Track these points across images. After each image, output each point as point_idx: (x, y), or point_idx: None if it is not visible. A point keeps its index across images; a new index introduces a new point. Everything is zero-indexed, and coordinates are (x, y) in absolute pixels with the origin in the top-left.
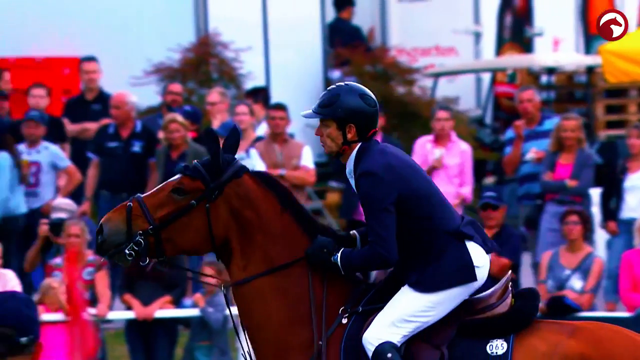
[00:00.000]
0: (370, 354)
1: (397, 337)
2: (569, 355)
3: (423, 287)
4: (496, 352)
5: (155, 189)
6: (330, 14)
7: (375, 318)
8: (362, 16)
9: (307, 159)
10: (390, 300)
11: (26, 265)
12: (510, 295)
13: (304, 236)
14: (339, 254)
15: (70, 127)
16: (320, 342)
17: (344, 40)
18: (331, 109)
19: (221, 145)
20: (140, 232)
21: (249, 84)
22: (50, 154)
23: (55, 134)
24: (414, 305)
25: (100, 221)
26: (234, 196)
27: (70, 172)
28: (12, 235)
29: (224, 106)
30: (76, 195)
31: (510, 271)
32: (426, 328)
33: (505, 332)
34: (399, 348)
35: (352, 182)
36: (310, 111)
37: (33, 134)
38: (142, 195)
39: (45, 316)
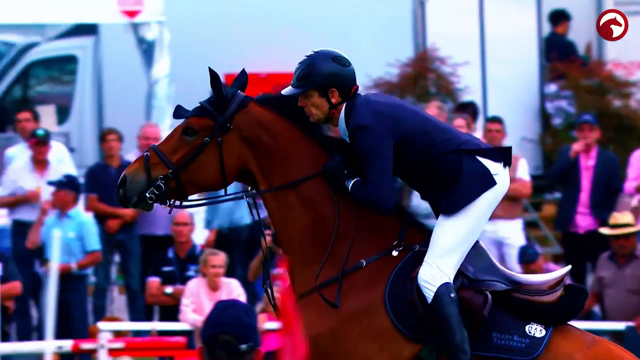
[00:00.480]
0: (427, 294)
1: (450, 269)
2: None
3: (453, 209)
4: (534, 333)
5: (166, 136)
6: (546, 29)
7: (425, 257)
8: (578, 31)
9: (523, 171)
10: (432, 237)
11: (250, 275)
12: (562, 288)
13: (323, 154)
14: (352, 181)
15: None
16: (364, 262)
17: (559, 55)
18: (309, 79)
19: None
20: (161, 176)
21: (465, 98)
22: None
23: None
24: (454, 232)
25: (122, 173)
26: (244, 125)
27: None
28: (236, 246)
29: (441, 119)
30: None
31: (569, 266)
32: (467, 279)
33: (547, 321)
34: (454, 291)
35: (348, 140)
36: (290, 87)
37: None
38: (157, 144)
39: (268, 324)
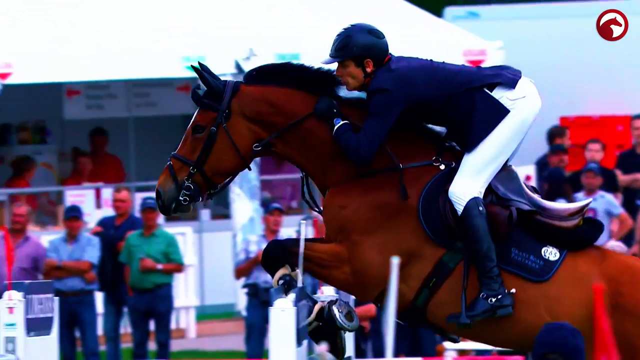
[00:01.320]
0: (458, 208)
1: (479, 186)
2: (602, 277)
3: (474, 143)
4: (548, 257)
5: (181, 141)
6: None
7: (456, 174)
8: None
9: None
10: (465, 156)
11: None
12: (582, 217)
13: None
14: (341, 122)
15: (622, 178)
16: (401, 165)
17: None
18: (347, 50)
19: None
20: (186, 177)
21: None
22: (605, 202)
23: (609, 184)
24: (483, 154)
25: (157, 188)
26: (243, 106)
27: (623, 218)
28: None
29: None
30: (627, 239)
31: (591, 198)
32: (496, 196)
33: (563, 244)
34: (483, 204)
35: (367, 96)
36: (328, 61)
37: (591, 184)
38: (175, 151)
39: None
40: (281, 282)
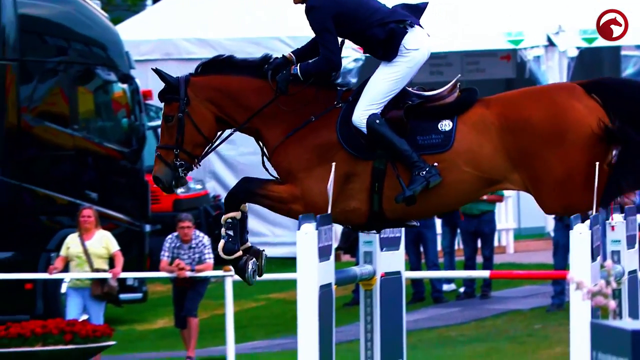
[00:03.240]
0: (363, 128)
1: (376, 109)
2: (490, 118)
3: (374, 76)
4: (445, 128)
5: (160, 134)
6: None
7: (357, 103)
8: None
9: None
10: (365, 87)
11: None
12: (458, 91)
13: (260, 79)
14: (297, 67)
15: None
16: (313, 118)
17: None
18: None
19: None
20: (174, 158)
21: None
22: None
23: None
24: (380, 85)
25: (153, 175)
26: (197, 93)
27: None
28: None
29: None
30: None
31: (458, 76)
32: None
33: (451, 114)
34: (380, 117)
35: (306, 16)
36: None
37: None
38: (158, 144)
39: None
40: (229, 222)
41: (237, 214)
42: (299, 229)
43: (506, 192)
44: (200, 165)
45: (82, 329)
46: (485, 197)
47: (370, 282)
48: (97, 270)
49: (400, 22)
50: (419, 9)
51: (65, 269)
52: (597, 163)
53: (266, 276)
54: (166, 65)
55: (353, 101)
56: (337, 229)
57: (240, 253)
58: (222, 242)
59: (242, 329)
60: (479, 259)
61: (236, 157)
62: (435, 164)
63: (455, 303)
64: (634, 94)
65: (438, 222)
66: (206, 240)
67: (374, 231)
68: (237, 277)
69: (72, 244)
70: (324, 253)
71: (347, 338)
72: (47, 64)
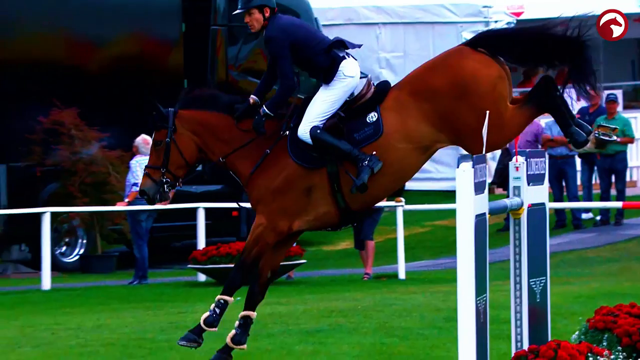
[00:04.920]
0: (307, 139)
1: (316, 123)
2: (403, 97)
3: (316, 96)
4: (372, 119)
5: (149, 157)
6: None
7: (302, 120)
8: None
9: None
10: (308, 107)
11: None
12: (373, 86)
13: (228, 117)
14: (264, 107)
15: None
16: (268, 150)
17: None
18: (253, 1)
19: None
20: (160, 176)
21: None
22: None
23: None
24: (320, 105)
25: (140, 189)
26: (183, 124)
27: None
28: None
29: None
30: None
31: (369, 75)
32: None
33: (373, 106)
34: (321, 127)
35: (265, 45)
36: (239, 10)
37: None
38: (148, 164)
39: None
40: (220, 302)
41: (229, 299)
42: (457, 167)
43: (637, 134)
44: (182, 185)
45: None
46: (618, 139)
47: (519, 212)
48: None
49: (340, 51)
50: (353, 46)
51: None
52: (488, 111)
53: (431, 206)
54: (347, 30)
55: (295, 127)
56: (492, 166)
57: (216, 329)
58: (207, 314)
59: (411, 250)
60: (613, 191)
61: None
62: (374, 152)
63: (592, 229)
64: (511, 37)
65: (578, 160)
66: None
67: (350, 226)
68: (407, 207)
69: None
70: (479, 187)
71: (499, 258)
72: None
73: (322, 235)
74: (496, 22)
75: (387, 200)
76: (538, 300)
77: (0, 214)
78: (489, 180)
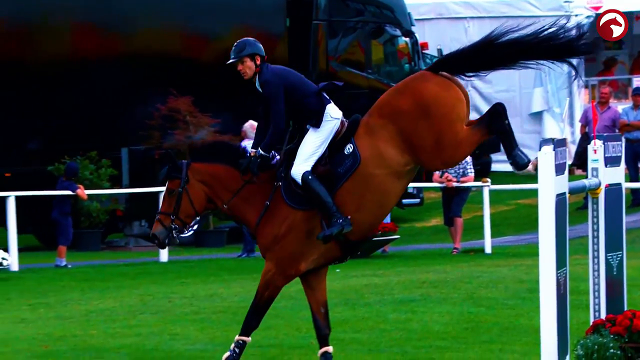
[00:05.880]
0: (298, 179)
1: (308, 166)
2: (373, 122)
3: (316, 125)
4: (349, 151)
5: (162, 202)
6: None
7: (294, 162)
8: None
9: None
10: (299, 148)
11: None
12: (346, 122)
13: (235, 170)
14: (259, 150)
15: None
16: (267, 202)
17: None
18: (244, 51)
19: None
20: (170, 222)
21: None
22: None
23: None
24: (311, 146)
25: (151, 233)
26: (195, 175)
27: None
28: None
29: None
30: None
31: (339, 112)
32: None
33: (348, 138)
34: (312, 173)
35: (260, 89)
36: (232, 60)
37: None
38: (160, 209)
39: None
40: (239, 342)
41: (247, 339)
42: (539, 150)
43: None
44: (188, 231)
45: None
46: None
47: (597, 192)
48: None
49: (327, 94)
50: (337, 87)
51: None
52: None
53: (516, 186)
54: (438, 24)
55: (286, 176)
56: (572, 149)
57: None
58: (227, 353)
59: (496, 226)
60: None
61: (492, 93)
62: (349, 217)
63: None
64: (466, 58)
65: None
66: (468, 158)
67: (351, 257)
68: (493, 187)
69: None
70: (559, 169)
71: (578, 234)
72: (348, 23)
73: (414, 213)
74: (577, 15)
75: (475, 181)
76: (615, 273)
77: (122, 192)
78: (569, 162)
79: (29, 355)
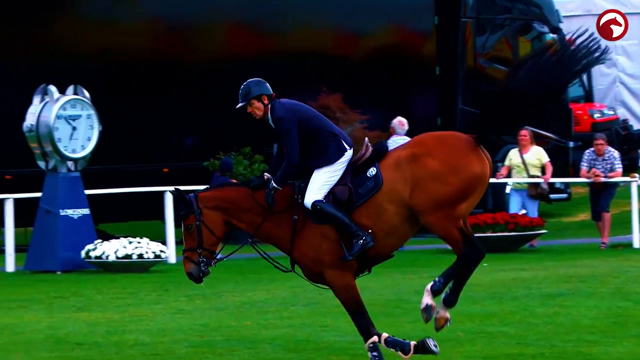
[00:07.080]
0: (310, 209)
1: (320, 195)
2: (405, 157)
3: (325, 163)
4: (372, 173)
5: (184, 240)
6: None
7: (307, 191)
8: None
9: None
10: (311, 178)
11: None
12: (370, 147)
13: (243, 188)
14: (272, 182)
15: None
16: (295, 217)
17: None
18: (250, 94)
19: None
20: (198, 256)
21: None
22: None
23: None
24: (323, 177)
25: (187, 272)
26: (206, 203)
27: None
28: None
29: None
30: None
31: (366, 139)
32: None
33: (372, 162)
34: (323, 201)
35: (274, 126)
36: (240, 104)
37: None
38: (184, 248)
39: None
40: (371, 345)
41: (374, 338)
42: None
43: None
44: (216, 260)
45: (522, 220)
46: None
47: None
48: (532, 176)
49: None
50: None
51: (508, 175)
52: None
53: None
54: (586, 20)
55: (302, 196)
56: None
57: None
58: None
59: None
60: None
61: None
62: (370, 230)
63: None
64: (509, 119)
65: None
66: (616, 154)
67: (368, 271)
68: None
69: (513, 156)
70: None
71: None
72: (496, 20)
73: (562, 208)
74: None
75: (623, 176)
76: None
77: None
78: None
79: (187, 345)
